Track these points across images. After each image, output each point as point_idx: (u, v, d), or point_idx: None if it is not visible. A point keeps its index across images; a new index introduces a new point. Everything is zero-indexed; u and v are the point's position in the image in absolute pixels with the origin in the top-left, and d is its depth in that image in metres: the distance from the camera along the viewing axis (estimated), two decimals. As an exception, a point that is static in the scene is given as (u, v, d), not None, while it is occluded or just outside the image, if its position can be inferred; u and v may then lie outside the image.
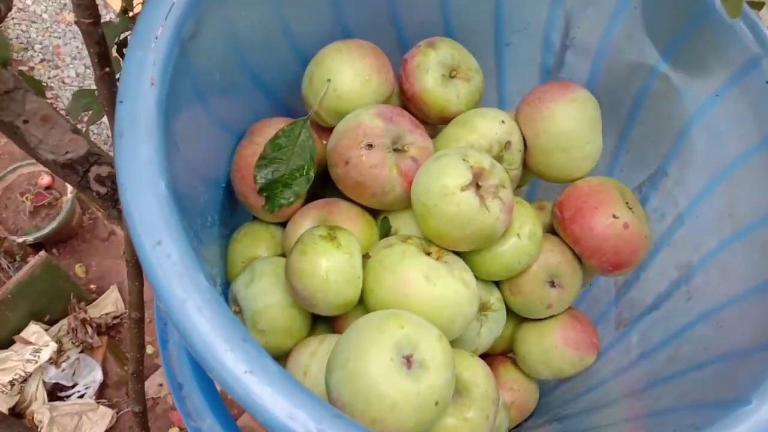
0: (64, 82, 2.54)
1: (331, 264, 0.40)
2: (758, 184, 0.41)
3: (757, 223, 0.40)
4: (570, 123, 0.46)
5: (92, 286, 2.01)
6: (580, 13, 0.48)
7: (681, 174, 0.47)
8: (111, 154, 0.57)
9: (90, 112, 0.97)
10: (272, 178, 0.45)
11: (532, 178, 0.54)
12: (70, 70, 2.56)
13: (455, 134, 0.48)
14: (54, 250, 2.04)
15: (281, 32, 0.45)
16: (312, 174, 0.46)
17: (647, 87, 0.47)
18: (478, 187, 0.42)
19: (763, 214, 0.40)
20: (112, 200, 0.57)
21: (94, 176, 0.56)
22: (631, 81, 0.48)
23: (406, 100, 0.51)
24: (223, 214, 0.46)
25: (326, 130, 0.48)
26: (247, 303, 0.42)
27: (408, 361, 0.35)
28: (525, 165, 0.50)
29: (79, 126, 0.74)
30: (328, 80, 0.46)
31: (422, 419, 0.34)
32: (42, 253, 1.80)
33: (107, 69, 0.38)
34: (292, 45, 0.47)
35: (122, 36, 1.02)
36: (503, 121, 0.48)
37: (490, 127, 0.47)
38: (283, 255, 0.47)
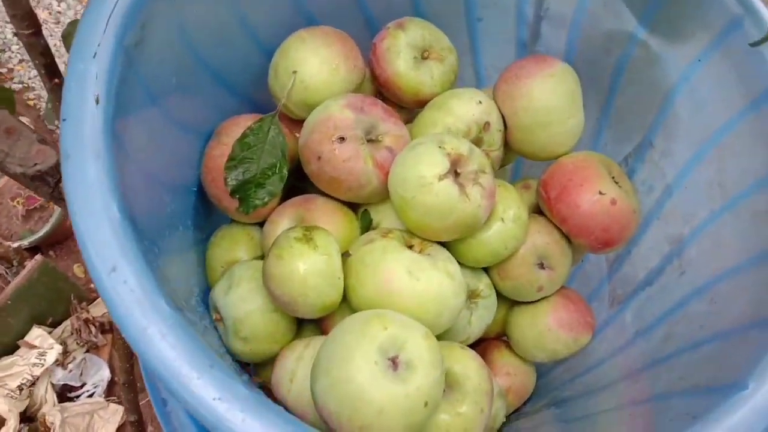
0: (45, 80, 2.49)
1: (308, 267, 0.38)
2: (746, 150, 0.39)
3: (746, 191, 0.39)
4: (549, 99, 0.44)
5: (92, 285, 2.00)
6: (552, -18, 0.46)
7: (667, 144, 0.45)
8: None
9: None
10: (244, 179, 0.43)
11: (515, 157, 0.52)
12: (50, 68, 2.52)
13: (431, 118, 0.46)
14: (51, 252, 2.03)
15: (238, 25, 0.43)
16: (285, 171, 0.45)
17: (626, 55, 0.45)
18: (456, 174, 0.40)
19: (752, 182, 0.38)
20: (86, 210, 0.55)
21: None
22: (609, 50, 0.46)
23: (379, 85, 0.49)
24: (197, 219, 0.45)
25: (298, 123, 0.46)
26: (228, 311, 0.41)
27: (394, 362, 0.34)
28: (506, 144, 0.48)
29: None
30: (294, 72, 0.44)
31: (412, 422, 0.33)
32: (38, 256, 1.79)
33: (56, 80, 0.36)
34: (253, 37, 0.45)
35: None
36: (480, 102, 0.46)
37: (467, 108, 0.45)
38: (263, 257, 0.45)
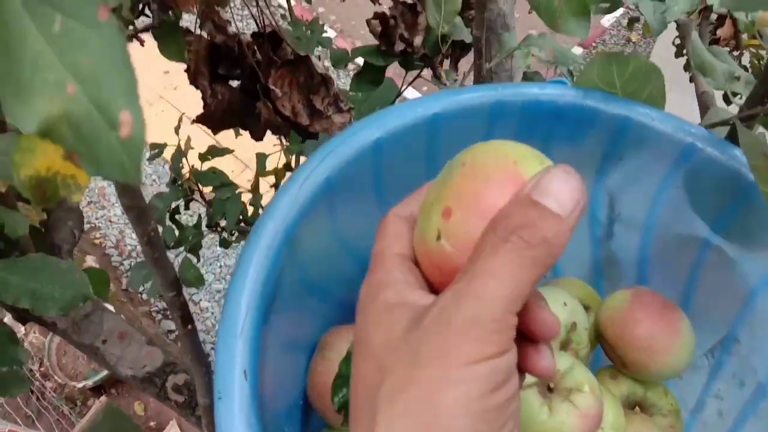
0: (110, 221, 2.66)
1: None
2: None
3: None
4: (678, 365, 0.47)
5: (152, 423, 2.01)
6: (621, 192, 0.49)
7: (754, 342, 0.46)
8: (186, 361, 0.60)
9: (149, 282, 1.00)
10: (350, 397, 0.46)
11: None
12: (115, 208, 2.69)
13: (519, 322, 0.49)
14: (113, 391, 2.07)
15: (340, 248, 0.48)
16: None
17: (702, 258, 0.48)
18: (550, 389, 0.42)
19: None
20: (189, 407, 0.58)
21: (171, 386, 0.58)
22: (684, 252, 0.48)
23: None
24: (300, 426, 0.47)
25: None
26: None
27: None
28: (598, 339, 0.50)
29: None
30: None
31: None
32: (103, 398, 1.82)
33: (189, 326, 0.41)
34: (350, 255, 0.49)
35: (173, 205, 1.08)
36: (565, 303, 0.48)
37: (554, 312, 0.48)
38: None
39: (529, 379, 0.42)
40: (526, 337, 0.26)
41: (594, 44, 3.22)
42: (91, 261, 2.56)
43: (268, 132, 0.71)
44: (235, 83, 0.64)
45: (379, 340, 0.24)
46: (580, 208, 0.22)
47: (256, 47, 0.60)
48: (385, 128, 0.42)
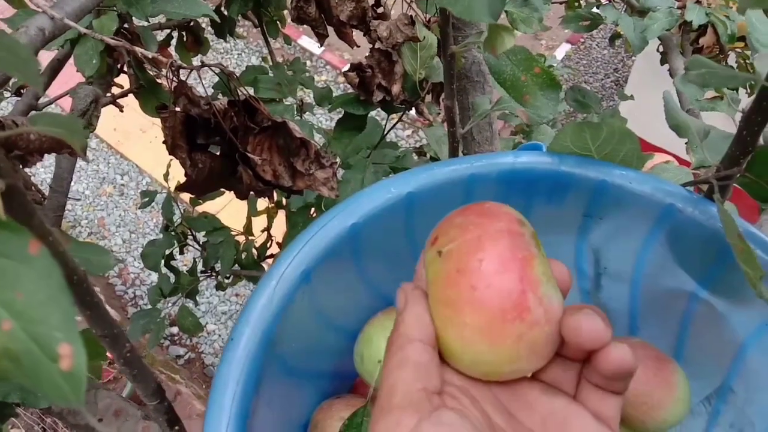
0: (112, 250, 2.66)
1: None
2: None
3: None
4: (668, 420, 0.46)
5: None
6: (606, 248, 0.49)
7: (749, 394, 0.46)
8: None
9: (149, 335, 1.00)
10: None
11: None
12: (116, 238, 2.70)
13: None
14: (125, 424, 2.08)
15: (325, 327, 0.48)
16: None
17: (691, 310, 0.47)
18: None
19: None
20: (189, 481, 0.58)
21: (169, 460, 0.58)
22: (673, 304, 0.48)
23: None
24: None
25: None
26: None
27: None
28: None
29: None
30: (379, 361, 0.48)
31: None
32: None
33: (176, 427, 0.41)
34: (335, 330, 0.49)
35: (167, 252, 1.08)
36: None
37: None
38: None
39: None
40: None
41: (582, 40, 3.20)
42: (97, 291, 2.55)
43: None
44: (216, 147, 0.64)
45: None
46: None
47: (233, 114, 0.59)
48: (359, 213, 0.41)
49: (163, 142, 0.60)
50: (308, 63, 3.26)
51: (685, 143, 0.50)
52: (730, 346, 0.46)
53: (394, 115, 0.78)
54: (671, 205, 0.43)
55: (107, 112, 0.77)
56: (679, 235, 0.44)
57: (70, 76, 0.83)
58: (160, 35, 0.99)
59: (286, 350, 0.41)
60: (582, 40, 3.21)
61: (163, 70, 0.60)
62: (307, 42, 3.31)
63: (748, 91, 0.90)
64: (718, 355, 0.47)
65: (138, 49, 0.56)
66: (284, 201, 1.07)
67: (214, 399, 0.34)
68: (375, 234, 0.43)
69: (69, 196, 0.77)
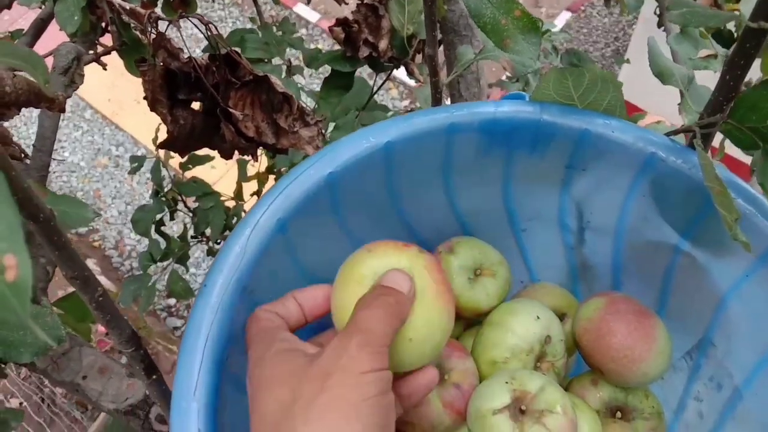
0: (108, 222, 2.66)
1: None
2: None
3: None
4: (656, 372, 0.46)
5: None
6: (589, 201, 0.48)
7: (728, 346, 0.46)
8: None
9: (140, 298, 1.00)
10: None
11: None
12: (112, 209, 2.69)
13: (492, 339, 0.48)
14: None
15: (304, 279, 0.47)
16: None
17: (673, 263, 0.47)
18: (522, 411, 0.42)
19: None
20: (175, 437, 0.58)
21: (155, 416, 0.58)
22: (656, 257, 0.48)
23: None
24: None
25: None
26: None
27: None
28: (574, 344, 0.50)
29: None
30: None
31: None
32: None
33: (154, 376, 0.41)
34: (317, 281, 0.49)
35: (157, 217, 1.08)
36: (538, 317, 0.48)
37: (526, 327, 0.47)
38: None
39: (500, 403, 0.42)
40: None
41: (582, 7, 3.16)
42: (92, 264, 2.57)
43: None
44: (198, 104, 0.63)
45: (286, 369, 0.31)
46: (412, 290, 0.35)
47: (214, 68, 0.58)
48: (336, 162, 0.41)
49: (144, 98, 0.59)
50: (304, 31, 3.21)
51: (678, 105, 0.49)
52: (711, 299, 0.46)
53: (383, 74, 0.77)
54: (654, 154, 0.42)
55: (101, 83, 0.76)
56: (662, 186, 0.43)
57: (57, 40, 0.82)
58: (146, -5, 0.97)
59: (264, 299, 0.40)
60: (582, 7, 3.16)
61: (142, 22, 0.59)
62: (303, 10, 3.26)
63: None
64: (699, 307, 0.47)
65: (116, 1, 0.54)
66: (277, 168, 1.07)
67: (187, 341, 0.34)
68: (354, 184, 0.43)
69: (68, 171, 0.76)
